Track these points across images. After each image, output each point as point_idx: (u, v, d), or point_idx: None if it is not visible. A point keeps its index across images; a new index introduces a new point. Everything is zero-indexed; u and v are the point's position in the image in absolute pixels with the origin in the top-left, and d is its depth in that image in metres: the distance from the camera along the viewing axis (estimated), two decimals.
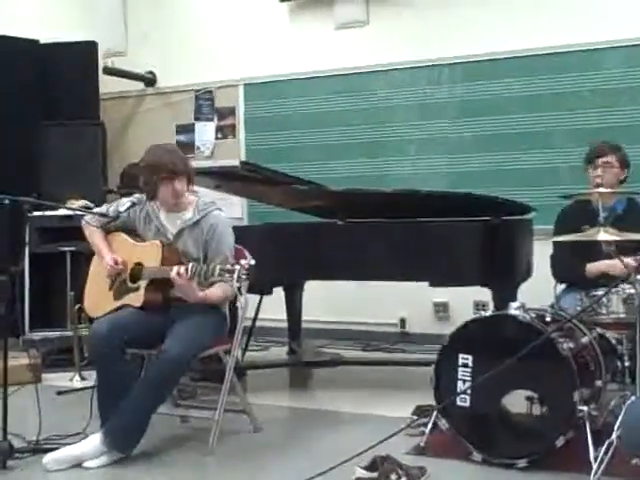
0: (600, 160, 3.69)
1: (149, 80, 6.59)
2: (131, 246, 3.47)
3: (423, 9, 5.61)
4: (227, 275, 3.03)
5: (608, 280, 3.24)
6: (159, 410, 3.23)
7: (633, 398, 2.83)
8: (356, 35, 5.89)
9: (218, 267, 3.08)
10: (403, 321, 5.76)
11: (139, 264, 3.37)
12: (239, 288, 3.27)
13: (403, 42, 5.66)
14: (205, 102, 6.42)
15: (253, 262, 3.07)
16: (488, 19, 5.41)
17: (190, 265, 3.18)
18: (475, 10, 5.45)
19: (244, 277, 3.01)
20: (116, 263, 3.41)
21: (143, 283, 3.33)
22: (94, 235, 3.52)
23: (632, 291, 3.02)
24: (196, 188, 3.65)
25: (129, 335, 3.21)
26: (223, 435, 3.33)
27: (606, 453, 2.69)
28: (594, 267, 3.55)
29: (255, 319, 4.80)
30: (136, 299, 3.34)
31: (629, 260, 3.15)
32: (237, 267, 3.01)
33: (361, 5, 5.86)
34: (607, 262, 3.43)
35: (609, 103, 5.11)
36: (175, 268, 3.17)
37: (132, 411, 3.15)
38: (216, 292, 3.32)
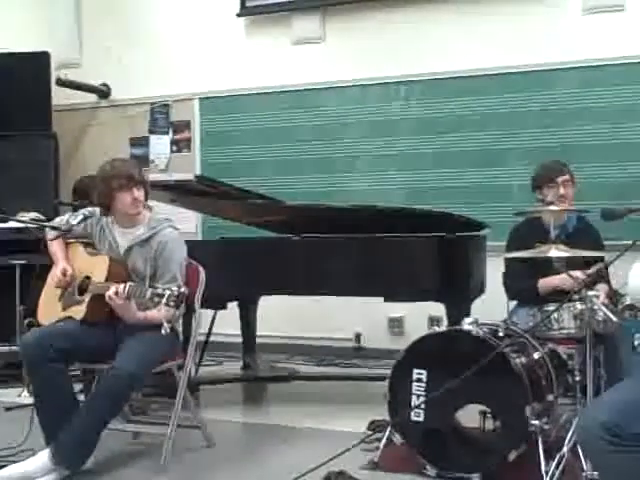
0: (561, 178, 3.75)
1: (103, 92, 6.53)
2: (85, 258, 3.44)
3: (379, 27, 5.66)
4: (156, 299, 2.97)
5: (560, 295, 3.29)
6: (110, 426, 3.17)
7: None
8: (312, 51, 5.92)
9: (149, 290, 3.03)
10: (358, 336, 5.77)
11: (88, 277, 3.34)
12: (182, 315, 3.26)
13: (359, 59, 5.71)
14: (160, 115, 6.38)
15: (184, 290, 3.01)
16: (442, 39, 5.49)
17: (127, 285, 3.12)
18: (429, 29, 5.53)
19: (172, 304, 2.95)
20: (64, 274, 3.36)
21: (87, 297, 3.29)
22: (53, 244, 3.48)
23: (583, 307, 3.08)
24: (151, 203, 3.63)
25: (64, 347, 3.14)
26: (176, 451, 3.29)
27: (557, 467, 2.73)
28: (546, 282, 3.59)
29: (209, 334, 4.76)
30: (78, 312, 3.30)
31: (579, 274, 3.21)
32: (167, 292, 2.95)
33: (318, 21, 5.90)
34: (559, 277, 3.48)
35: (558, 123, 5.22)
36: (113, 287, 3.12)
37: (82, 427, 3.10)
38: (156, 315, 3.20)
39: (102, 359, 3.21)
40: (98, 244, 3.45)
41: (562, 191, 3.71)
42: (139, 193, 3.32)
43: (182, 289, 3.01)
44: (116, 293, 3.10)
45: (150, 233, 3.37)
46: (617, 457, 1.95)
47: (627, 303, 2.83)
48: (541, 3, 5.29)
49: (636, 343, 2.06)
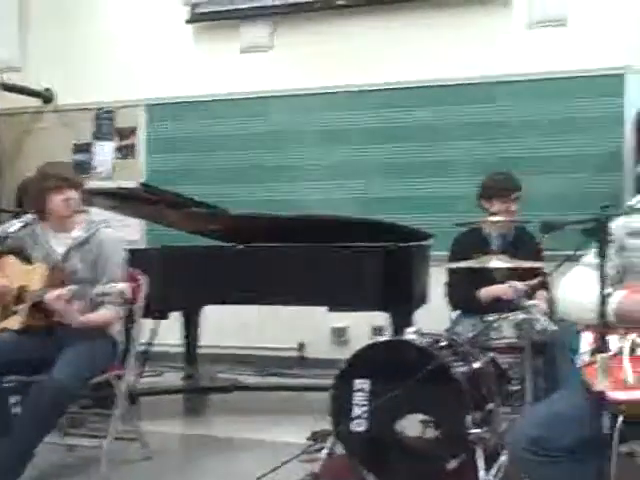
0: (514, 195, 3.79)
1: (46, 97, 6.41)
2: (18, 268, 3.35)
3: (328, 36, 5.68)
4: (100, 298, 2.97)
5: (501, 305, 3.32)
6: (46, 439, 3.08)
7: None
8: (261, 59, 5.92)
9: (94, 290, 3.02)
10: (302, 346, 5.75)
11: (23, 287, 3.25)
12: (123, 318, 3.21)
13: (307, 67, 5.72)
14: (105, 122, 6.28)
15: (122, 286, 3.01)
16: (390, 49, 5.54)
17: (69, 288, 3.07)
18: (378, 39, 5.57)
19: (117, 302, 2.96)
20: None
21: (24, 307, 3.21)
22: None
23: (522, 316, 3.11)
24: (93, 210, 3.58)
25: None
26: (114, 464, 3.24)
27: (496, 476, 2.74)
28: (487, 292, 3.62)
29: (150, 344, 4.68)
30: (14, 322, 3.22)
31: (518, 284, 3.24)
32: (112, 290, 2.96)
33: (267, 29, 5.89)
34: (499, 287, 3.50)
35: (501, 135, 5.30)
36: (55, 292, 3.06)
37: (16, 441, 3.01)
38: (98, 316, 3.20)
39: (42, 370, 3.11)
40: (32, 252, 3.37)
41: (513, 207, 3.76)
42: (71, 194, 3.28)
43: (126, 286, 2.99)
44: (58, 297, 3.04)
45: (87, 235, 3.32)
46: (546, 469, 1.96)
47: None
48: (486, 16, 5.38)
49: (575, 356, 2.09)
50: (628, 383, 1.90)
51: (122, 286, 2.99)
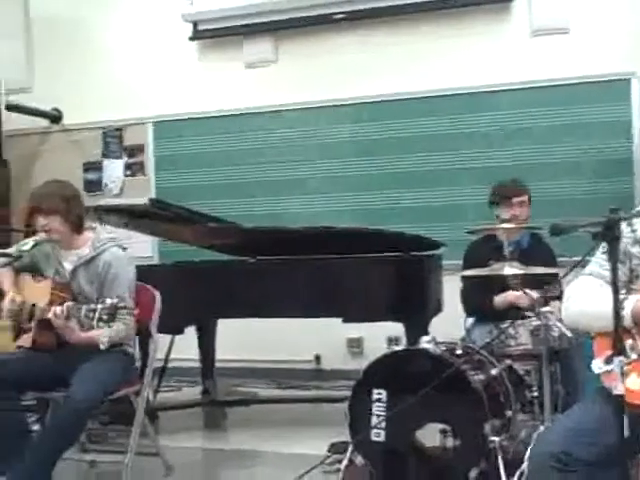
0: (516, 199, 3.81)
1: (55, 117, 6.45)
2: (32, 286, 3.37)
3: (330, 50, 5.72)
4: (90, 314, 2.94)
5: (516, 312, 3.33)
6: (66, 455, 3.10)
7: (542, 428, 2.90)
8: (265, 74, 5.95)
9: (84, 307, 2.99)
10: (318, 358, 5.76)
11: (34, 305, 3.28)
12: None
13: (310, 81, 5.75)
14: (113, 140, 6.32)
15: (116, 301, 2.97)
16: (391, 61, 5.57)
17: (65, 305, 3.08)
18: (379, 52, 5.61)
19: (105, 318, 2.92)
20: (13, 302, 3.29)
21: (34, 324, 3.23)
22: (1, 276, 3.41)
23: (538, 323, 3.12)
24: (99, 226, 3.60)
25: (14, 375, 3.08)
26: (134, 479, 3.23)
27: None
28: (501, 298, 3.63)
29: (167, 359, 4.70)
30: (27, 340, 3.24)
31: (533, 293, 3.24)
32: (99, 307, 2.93)
33: (270, 44, 5.93)
34: (514, 293, 3.50)
35: (508, 143, 5.33)
36: (53, 309, 3.08)
37: (36, 457, 3.02)
38: (100, 333, 3.09)
39: (55, 387, 3.15)
40: (45, 270, 3.39)
41: (516, 212, 3.78)
42: (48, 221, 3.25)
43: (114, 301, 2.95)
44: (55, 314, 3.06)
45: (94, 253, 3.32)
46: None
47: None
48: (488, 25, 5.42)
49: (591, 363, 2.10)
50: None
51: (112, 300, 2.95)
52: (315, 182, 5.77)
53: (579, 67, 5.19)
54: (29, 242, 3.38)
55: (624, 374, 1.90)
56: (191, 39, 6.07)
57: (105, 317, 2.92)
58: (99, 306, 2.93)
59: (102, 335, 3.04)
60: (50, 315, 3.07)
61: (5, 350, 3.30)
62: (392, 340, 4.91)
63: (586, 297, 2.15)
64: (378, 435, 3.08)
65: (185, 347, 4.74)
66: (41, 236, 3.38)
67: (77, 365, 3.15)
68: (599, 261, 2.22)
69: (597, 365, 2.00)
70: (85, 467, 3.57)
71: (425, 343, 3.17)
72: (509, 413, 3.09)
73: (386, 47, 5.59)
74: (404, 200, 5.55)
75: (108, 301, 2.95)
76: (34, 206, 3.26)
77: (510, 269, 3.18)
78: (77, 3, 6.36)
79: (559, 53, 5.28)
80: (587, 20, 5.25)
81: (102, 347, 2.95)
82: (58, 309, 3.06)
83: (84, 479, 3.44)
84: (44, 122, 6.49)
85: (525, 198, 3.85)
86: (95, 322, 2.95)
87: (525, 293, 3.21)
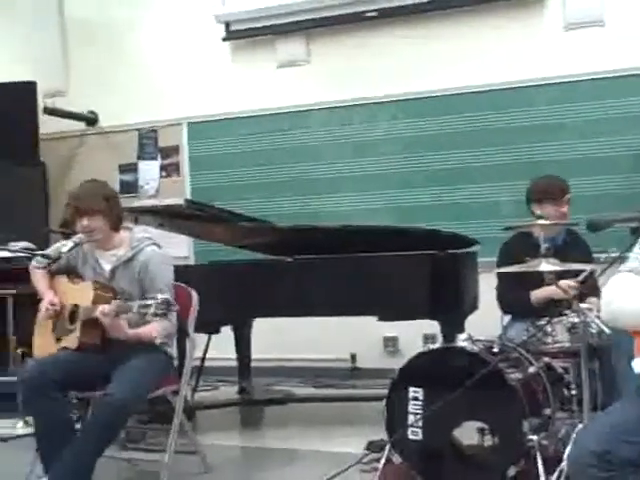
0: (566, 197, 3.78)
1: (90, 120, 6.54)
2: (70, 287, 3.42)
3: (363, 48, 5.70)
4: (143, 310, 2.97)
5: (554, 309, 3.30)
6: (106, 453, 3.13)
7: (581, 426, 2.87)
8: (298, 73, 5.96)
9: (136, 303, 3.03)
10: (354, 356, 5.76)
11: (76, 305, 3.32)
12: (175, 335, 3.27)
13: (343, 79, 5.74)
14: (148, 141, 6.39)
15: (167, 296, 3.02)
16: (425, 58, 5.55)
17: (113, 303, 3.12)
18: (413, 49, 5.58)
19: (160, 312, 2.95)
20: (52, 304, 3.35)
21: (78, 325, 3.27)
22: (37, 278, 3.48)
23: (576, 320, 3.08)
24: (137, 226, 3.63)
25: (61, 376, 3.12)
26: (173, 477, 3.26)
27: None
28: (539, 293, 3.60)
29: (204, 358, 4.74)
30: (72, 341, 3.28)
31: (569, 282, 3.19)
32: (152, 301, 2.96)
33: (302, 43, 5.94)
34: (550, 287, 3.44)
35: (543, 138, 5.27)
36: (100, 307, 3.12)
37: (77, 456, 3.06)
38: (150, 329, 3.22)
39: (96, 386, 3.18)
40: (82, 271, 3.43)
41: (565, 209, 3.75)
42: (90, 221, 3.29)
43: (166, 296, 3.00)
44: (103, 312, 3.09)
45: (132, 253, 3.35)
46: None
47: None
48: (521, 20, 5.36)
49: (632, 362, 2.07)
50: None
51: (163, 296, 2.99)
52: (349, 181, 5.77)
53: (615, 60, 5.11)
54: (68, 244, 3.41)
55: None
56: (224, 40, 6.10)
57: (160, 312, 2.96)
58: (152, 302, 2.96)
59: (154, 330, 3.13)
60: (98, 314, 3.10)
61: (48, 351, 3.35)
62: (428, 338, 4.92)
63: (626, 294, 2.12)
64: (415, 434, 3.07)
65: (222, 346, 4.77)
66: (80, 237, 3.42)
67: (118, 364, 3.19)
68: (639, 257, 2.19)
69: (638, 364, 1.97)
70: (124, 465, 3.60)
71: (462, 341, 3.16)
72: (547, 411, 3.06)
73: (419, 44, 5.57)
74: (439, 198, 5.52)
75: (159, 296, 2.99)
76: (78, 207, 3.30)
77: (546, 265, 3.15)
78: (111, 6, 6.43)
79: (594, 47, 5.21)
80: (622, 12, 5.17)
81: (157, 342, 3.04)
82: (106, 307, 3.10)
83: (123, 478, 3.48)
84: (80, 125, 6.57)
85: (563, 196, 3.81)
86: (150, 317, 3.00)
87: (560, 288, 3.16)
